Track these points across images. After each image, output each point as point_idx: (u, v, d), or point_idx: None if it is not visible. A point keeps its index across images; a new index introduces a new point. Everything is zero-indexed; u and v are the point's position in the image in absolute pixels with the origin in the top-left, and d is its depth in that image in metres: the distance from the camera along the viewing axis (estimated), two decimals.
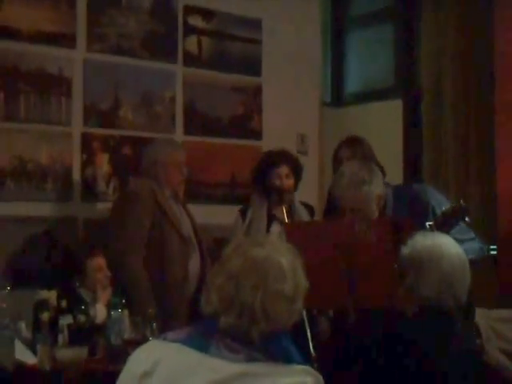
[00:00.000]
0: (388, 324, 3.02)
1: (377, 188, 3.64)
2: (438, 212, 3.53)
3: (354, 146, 4.79)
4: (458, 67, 5.63)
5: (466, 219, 3.38)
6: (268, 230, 4.55)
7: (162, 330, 3.37)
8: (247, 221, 4.64)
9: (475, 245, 3.68)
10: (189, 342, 2.11)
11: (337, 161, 4.87)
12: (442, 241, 2.80)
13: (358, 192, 3.59)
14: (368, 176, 3.62)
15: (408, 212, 3.63)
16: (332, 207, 4.40)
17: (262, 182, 4.67)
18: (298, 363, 2.12)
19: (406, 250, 2.79)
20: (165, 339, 2.17)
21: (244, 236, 4.45)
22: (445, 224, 3.40)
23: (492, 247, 5.31)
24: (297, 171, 4.73)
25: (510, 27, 5.30)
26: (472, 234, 3.70)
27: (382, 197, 3.68)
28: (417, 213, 3.51)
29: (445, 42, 5.70)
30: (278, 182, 4.62)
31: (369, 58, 6.48)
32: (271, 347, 2.10)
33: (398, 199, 3.73)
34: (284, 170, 4.65)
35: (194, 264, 4.54)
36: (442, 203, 3.62)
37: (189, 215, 4.72)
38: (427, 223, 3.41)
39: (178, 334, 2.16)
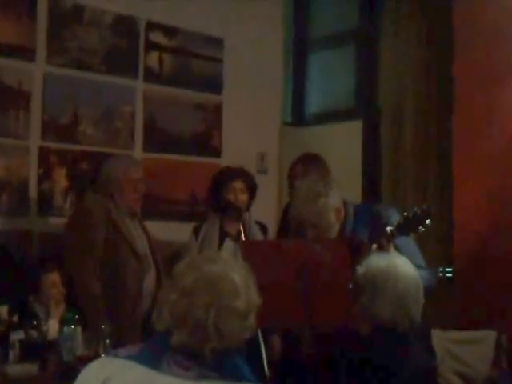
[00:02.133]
0: (342, 344, 3.02)
1: (333, 200, 3.67)
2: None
3: (308, 163, 4.85)
4: (418, 90, 5.67)
5: (428, 222, 3.37)
6: (220, 247, 4.53)
7: (116, 347, 3.33)
8: (200, 238, 4.63)
9: (426, 273, 3.67)
10: (140, 358, 2.09)
11: (291, 177, 4.95)
12: (397, 262, 2.81)
13: (314, 205, 3.61)
14: (323, 189, 3.65)
15: (368, 230, 3.64)
16: (286, 225, 4.41)
17: (217, 197, 4.66)
18: (249, 381, 2.10)
19: (361, 270, 2.80)
20: (116, 356, 2.14)
21: (197, 253, 4.43)
22: (406, 227, 3.40)
23: (448, 269, 5.36)
24: (251, 188, 4.73)
25: (469, 51, 5.36)
26: (423, 262, 3.70)
27: (340, 210, 3.69)
28: (376, 231, 3.52)
29: (405, 65, 5.74)
30: (232, 197, 4.61)
31: (330, 78, 6.52)
32: (223, 365, 2.08)
33: (358, 218, 3.75)
34: (238, 184, 4.65)
35: (150, 281, 4.51)
36: None
37: (145, 232, 4.68)
38: (388, 228, 3.41)
39: (130, 351, 2.14)
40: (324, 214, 3.65)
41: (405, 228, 3.40)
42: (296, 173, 4.85)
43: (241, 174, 4.72)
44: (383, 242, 3.36)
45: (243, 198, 4.66)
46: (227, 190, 4.62)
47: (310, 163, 4.84)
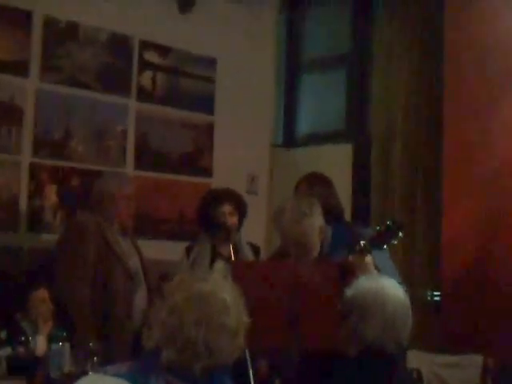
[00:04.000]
0: (330, 366, 3.03)
1: (317, 220, 3.71)
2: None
3: (313, 183, 4.82)
4: (408, 114, 5.71)
5: (400, 234, 3.42)
6: (211, 268, 4.53)
7: (104, 365, 3.32)
8: (191, 258, 4.62)
9: None
10: (128, 376, 2.09)
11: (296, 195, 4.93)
12: (386, 284, 2.81)
13: (300, 225, 3.64)
14: (308, 209, 3.68)
15: (347, 251, 3.66)
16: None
17: (206, 219, 4.66)
18: None
19: (349, 292, 2.80)
20: (105, 373, 2.14)
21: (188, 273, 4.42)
22: (379, 239, 3.44)
23: (436, 293, 5.38)
24: (240, 209, 4.72)
25: (460, 77, 5.39)
26: (399, 280, 3.73)
27: (322, 229, 3.73)
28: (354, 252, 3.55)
29: (396, 89, 5.78)
30: (222, 220, 4.60)
31: (321, 101, 6.55)
32: (212, 383, 2.08)
33: (336, 238, 3.78)
34: (227, 208, 4.64)
35: (141, 299, 4.50)
36: None
37: (137, 250, 4.69)
38: (361, 242, 3.44)
39: (118, 369, 2.14)
40: (309, 234, 3.68)
41: (377, 241, 3.44)
42: (301, 192, 4.84)
43: (229, 196, 4.70)
44: (357, 255, 3.40)
45: (233, 220, 4.65)
46: (216, 214, 4.62)
47: (315, 182, 4.82)
